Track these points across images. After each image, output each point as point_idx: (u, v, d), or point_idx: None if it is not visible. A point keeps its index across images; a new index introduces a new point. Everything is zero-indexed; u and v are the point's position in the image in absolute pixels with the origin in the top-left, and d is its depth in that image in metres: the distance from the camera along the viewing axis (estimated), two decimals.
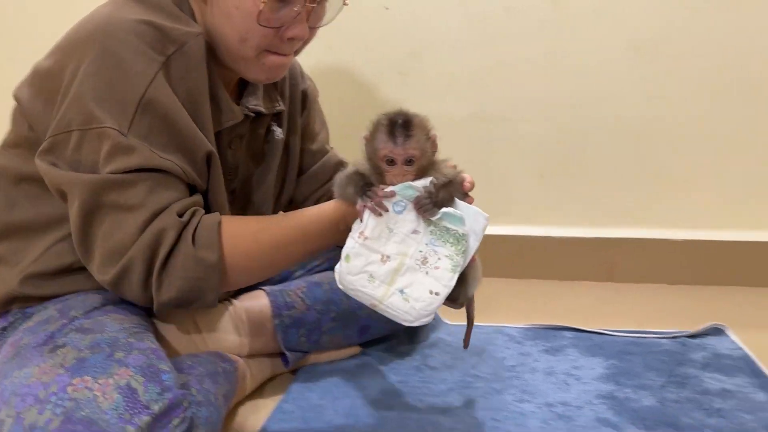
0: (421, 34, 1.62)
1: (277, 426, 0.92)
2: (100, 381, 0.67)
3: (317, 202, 1.05)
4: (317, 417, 0.94)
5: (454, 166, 0.83)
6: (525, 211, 1.68)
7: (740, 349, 1.17)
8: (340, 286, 0.77)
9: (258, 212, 1.03)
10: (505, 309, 1.41)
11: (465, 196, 0.82)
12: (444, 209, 0.77)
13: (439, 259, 0.77)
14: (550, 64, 1.59)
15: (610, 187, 1.63)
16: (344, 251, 0.77)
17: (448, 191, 0.78)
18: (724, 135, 1.56)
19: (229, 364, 0.90)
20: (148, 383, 0.68)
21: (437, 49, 1.62)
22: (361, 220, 0.77)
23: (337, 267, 0.77)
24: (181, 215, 0.78)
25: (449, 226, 0.78)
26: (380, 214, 0.76)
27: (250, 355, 1.01)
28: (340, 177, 0.82)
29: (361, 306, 1.08)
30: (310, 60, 1.68)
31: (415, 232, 0.78)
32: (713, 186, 1.59)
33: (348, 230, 0.78)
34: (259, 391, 1.05)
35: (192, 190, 0.83)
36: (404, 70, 1.65)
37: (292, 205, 1.12)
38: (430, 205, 0.76)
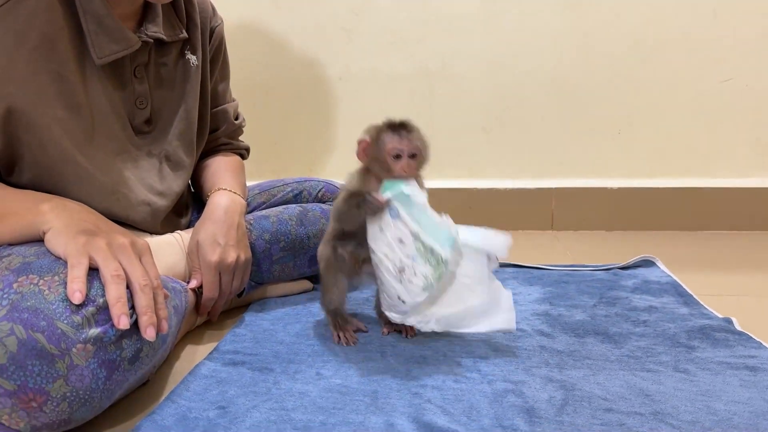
0: None
1: (230, 346, 0.95)
2: (45, 278, 0.69)
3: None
4: (269, 338, 0.98)
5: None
6: (469, 164, 1.75)
7: (668, 276, 1.26)
8: None
9: (184, 142, 1.05)
10: None
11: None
12: (444, 226, 0.85)
13: (414, 274, 0.82)
14: (487, 20, 1.65)
15: (547, 139, 1.71)
16: None
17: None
18: (653, 88, 1.65)
19: (178, 284, 0.92)
20: (93, 280, 0.70)
21: (380, 5, 1.67)
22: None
23: None
24: None
25: (434, 246, 0.82)
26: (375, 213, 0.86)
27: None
28: (338, 205, 0.92)
29: (309, 236, 1.13)
30: (255, 15, 1.71)
31: (401, 241, 0.83)
32: (644, 137, 1.68)
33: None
34: (211, 322, 1.08)
35: None
36: (348, 26, 1.69)
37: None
38: None
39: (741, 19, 1.58)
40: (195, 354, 0.96)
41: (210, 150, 1.18)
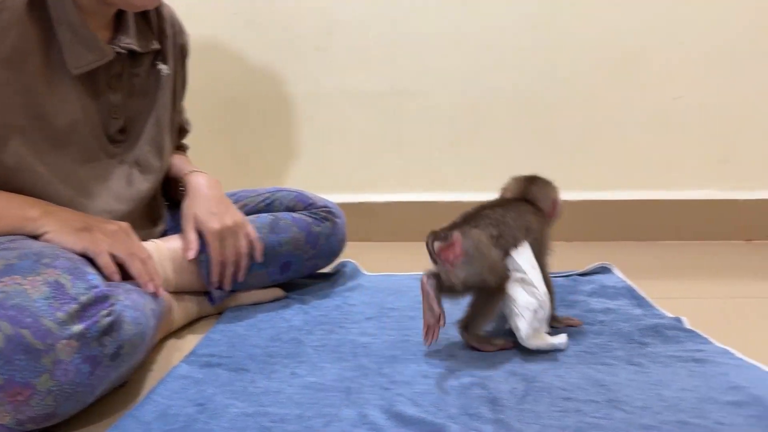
0: (335, 10, 1.73)
1: (205, 350, 0.98)
2: (28, 278, 0.71)
3: None
4: (243, 342, 1.01)
5: None
6: (437, 178, 1.81)
7: (624, 281, 1.33)
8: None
9: (154, 147, 1.09)
10: (420, 268, 1.50)
11: None
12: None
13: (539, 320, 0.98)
14: (455, 39, 1.73)
15: (512, 153, 1.78)
16: None
17: None
18: (611, 103, 1.74)
19: None
20: (75, 280, 0.73)
21: (351, 25, 1.73)
22: None
23: None
24: None
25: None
26: None
27: (177, 292, 1.07)
28: None
29: (281, 243, 1.17)
30: (228, 33, 1.75)
31: (533, 267, 1.05)
32: (602, 151, 1.77)
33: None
34: (187, 328, 1.11)
35: None
36: (321, 45, 1.74)
37: None
38: None
39: (694, 39, 1.69)
40: (171, 358, 0.98)
41: None
